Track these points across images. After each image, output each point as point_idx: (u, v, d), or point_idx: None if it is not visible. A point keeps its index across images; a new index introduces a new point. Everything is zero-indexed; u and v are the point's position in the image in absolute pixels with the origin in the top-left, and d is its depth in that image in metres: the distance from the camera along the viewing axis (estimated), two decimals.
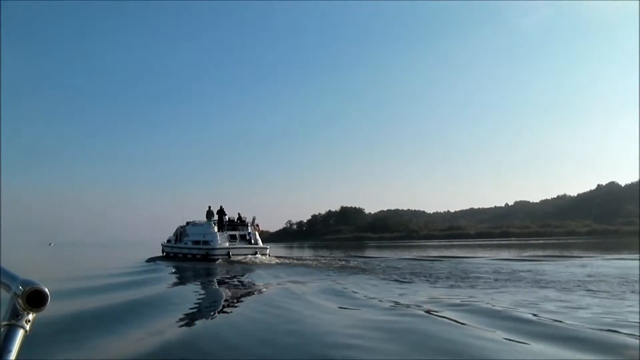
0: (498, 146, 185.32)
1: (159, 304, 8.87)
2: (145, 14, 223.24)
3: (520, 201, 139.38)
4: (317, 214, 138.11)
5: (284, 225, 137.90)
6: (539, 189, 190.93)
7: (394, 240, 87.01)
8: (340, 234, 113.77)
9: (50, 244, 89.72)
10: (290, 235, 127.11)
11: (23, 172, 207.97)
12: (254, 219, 23.30)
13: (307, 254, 31.20)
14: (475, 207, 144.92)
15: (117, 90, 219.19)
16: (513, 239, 76.85)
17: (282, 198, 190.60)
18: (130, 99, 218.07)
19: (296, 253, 33.17)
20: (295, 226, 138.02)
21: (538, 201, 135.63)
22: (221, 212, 23.21)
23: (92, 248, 65.07)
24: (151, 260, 23.21)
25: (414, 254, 27.52)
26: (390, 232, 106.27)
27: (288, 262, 20.12)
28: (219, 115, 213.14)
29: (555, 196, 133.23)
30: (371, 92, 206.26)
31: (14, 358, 0.74)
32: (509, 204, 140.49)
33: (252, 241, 22.21)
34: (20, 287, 0.78)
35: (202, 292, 11.04)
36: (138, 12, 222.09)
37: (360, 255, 26.55)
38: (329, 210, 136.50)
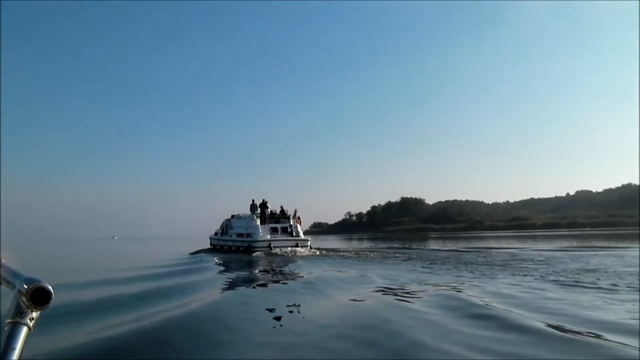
0: (554, 135, 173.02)
1: (185, 288, 9.56)
2: (198, 11, 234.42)
3: (583, 190, 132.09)
4: (376, 205, 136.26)
5: (343, 217, 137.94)
6: (602, 178, 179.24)
7: (457, 232, 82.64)
8: (402, 225, 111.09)
9: (113, 237, 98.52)
10: (349, 226, 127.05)
11: (86, 172, 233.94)
12: (295, 212, 23.43)
13: (364, 245, 30.83)
14: (535, 197, 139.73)
15: (168, 91, 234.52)
16: (588, 229, 68.85)
17: (341, 190, 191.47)
18: (185, 96, 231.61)
19: (355, 245, 32.94)
20: (354, 217, 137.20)
21: (601, 190, 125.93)
22: (263, 205, 23.62)
23: (150, 241, 69.94)
24: (196, 252, 24.26)
25: (482, 244, 25.98)
26: (453, 223, 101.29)
27: (324, 253, 20.10)
28: (277, 110, 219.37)
29: (619, 185, 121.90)
30: (422, 85, 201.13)
31: (17, 356, 0.74)
32: (570, 194, 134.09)
33: (294, 233, 22.38)
34: (24, 285, 0.78)
35: (229, 279, 11.38)
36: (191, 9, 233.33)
37: (410, 247, 25.40)
38: (389, 201, 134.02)
